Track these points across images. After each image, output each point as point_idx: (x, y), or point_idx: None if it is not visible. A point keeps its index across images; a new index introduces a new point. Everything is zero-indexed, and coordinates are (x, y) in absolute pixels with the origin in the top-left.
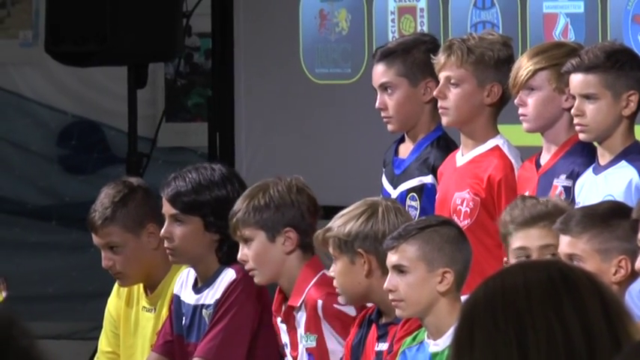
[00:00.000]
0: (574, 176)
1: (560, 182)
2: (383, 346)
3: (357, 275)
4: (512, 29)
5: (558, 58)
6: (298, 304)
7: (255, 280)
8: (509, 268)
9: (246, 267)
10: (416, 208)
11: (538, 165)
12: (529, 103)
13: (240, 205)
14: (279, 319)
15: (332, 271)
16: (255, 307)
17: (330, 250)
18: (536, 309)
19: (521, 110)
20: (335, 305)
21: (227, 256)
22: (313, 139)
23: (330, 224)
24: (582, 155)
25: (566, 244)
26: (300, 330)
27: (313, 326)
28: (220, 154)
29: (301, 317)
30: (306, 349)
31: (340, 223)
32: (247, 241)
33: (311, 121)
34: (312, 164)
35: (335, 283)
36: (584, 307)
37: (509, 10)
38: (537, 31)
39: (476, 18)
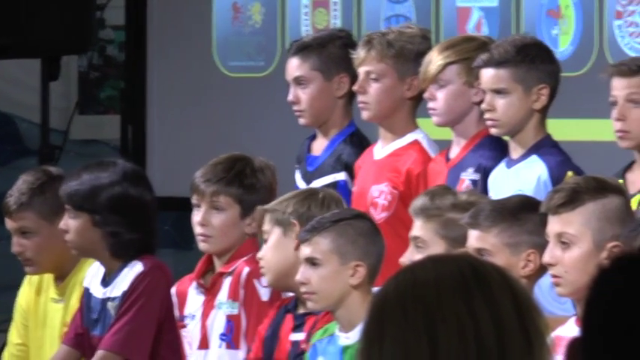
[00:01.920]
0: (481, 170)
1: (468, 176)
2: (299, 336)
3: (286, 249)
4: (425, 23)
5: (468, 52)
6: (230, 270)
7: (210, 247)
8: (421, 262)
9: (206, 232)
10: None
11: (448, 158)
12: (439, 97)
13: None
14: (194, 286)
15: (262, 251)
16: (162, 299)
17: (266, 226)
18: (446, 303)
19: (430, 104)
20: (255, 280)
21: (120, 251)
22: (226, 132)
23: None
24: (491, 149)
25: (475, 239)
26: (222, 296)
27: (238, 294)
28: (132, 147)
29: (227, 284)
30: (227, 315)
31: (279, 200)
32: (219, 209)
33: (224, 114)
34: None
35: (262, 262)
36: (495, 301)
37: (423, 4)
38: (451, 24)
39: (389, 11)
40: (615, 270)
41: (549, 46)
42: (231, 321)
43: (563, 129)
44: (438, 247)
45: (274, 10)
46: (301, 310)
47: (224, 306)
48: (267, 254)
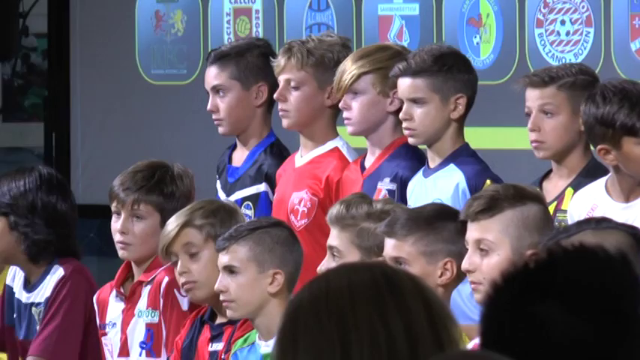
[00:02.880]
0: (398, 180)
1: (385, 185)
2: (218, 346)
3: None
4: (347, 31)
5: (382, 61)
6: (149, 279)
7: (129, 255)
8: (335, 270)
9: (125, 240)
10: (250, 217)
11: (363, 168)
12: (353, 107)
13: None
14: (114, 294)
15: (191, 266)
16: (85, 302)
17: (195, 239)
18: (359, 311)
19: (345, 114)
20: (175, 290)
21: (37, 254)
22: (148, 141)
23: None
24: (407, 159)
25: (391, 247)
26: (142, 305)
27: (158, 302)
28: (56, 154)
29: (146, 293)
30: (147, 324)
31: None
32: (140, 217)
33: (147, 121)
34: None
35: (193, 277)
36: (408, 310)
37: (344, 12)
38: (372, 33)
39: (311, 20)
40: (505, 280)
41: (470, 54)
42: (151, 329)
43: (487, 137)
44: (353, 257)
45: (196, 19)
46: (219, 320)
47: (144, 314)
48: (200, 270)
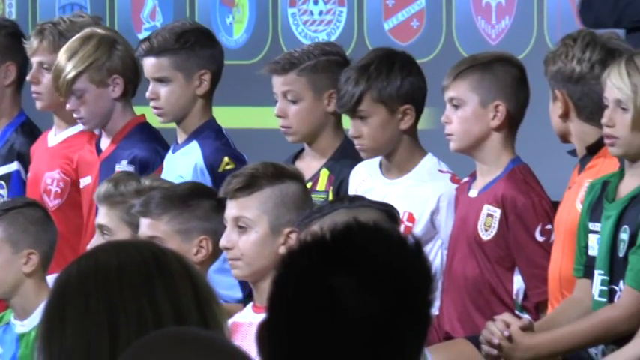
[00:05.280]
0: (136, 161)
1: (122, 168)
2: None
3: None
4: (100, 11)
5: (91, 55)
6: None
7: None
8: (104, 247)
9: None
10: (4, 197)
11: (99, 150)
12: (81, 109)
13: None
14: None
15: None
16: None
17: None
18: (128, 291)
19: (75, 115)
20: None
21: None
22: None
23: None
24: (143, 140)
25: (146, 227)
26: None
27: None
28: None
29: None
30: None
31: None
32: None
33: None
34: None
35: None
36: (176, 290)
37: None
38: (125, 13)
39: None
40: (300, 252)
41: (223, 34)
42: None
43: (241, 116)
44: (123, 234)
45: None
46: None
47: None
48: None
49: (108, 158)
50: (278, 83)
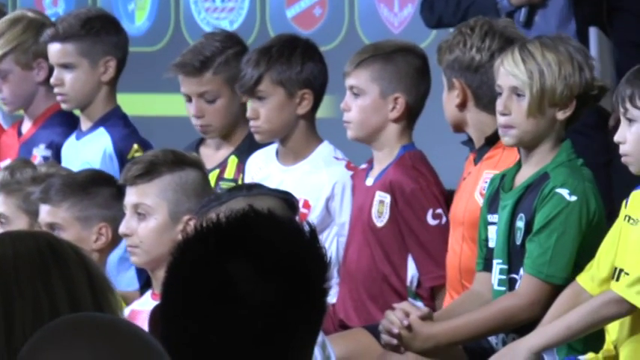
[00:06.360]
0: (54, 147)
1: (40, 152)
2: None
3: None
4: None
5: (17, 37)
6: None
7: None
8: (1, 237)
9: None
10: None
11: (20, 133)
12: (4, 88)
13: None
14: None
15: None
16: None
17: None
18: (23, 280)
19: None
20: None
21: None
22: None
23: None
24: (61, 124)
25: (46, 213)
26: None
27: None
28: None
29: None
30: None
31: None
32: None
33: None
34: None
35: None
36: (71, 279)
37: None
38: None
39: None
40: (196, 239)
41: (125, 21)
42: None
43: (144, 104)
44: (21, 222)
45: None
46: None
47: None
48: None
49: (27, 141)
50: (192, 84)
